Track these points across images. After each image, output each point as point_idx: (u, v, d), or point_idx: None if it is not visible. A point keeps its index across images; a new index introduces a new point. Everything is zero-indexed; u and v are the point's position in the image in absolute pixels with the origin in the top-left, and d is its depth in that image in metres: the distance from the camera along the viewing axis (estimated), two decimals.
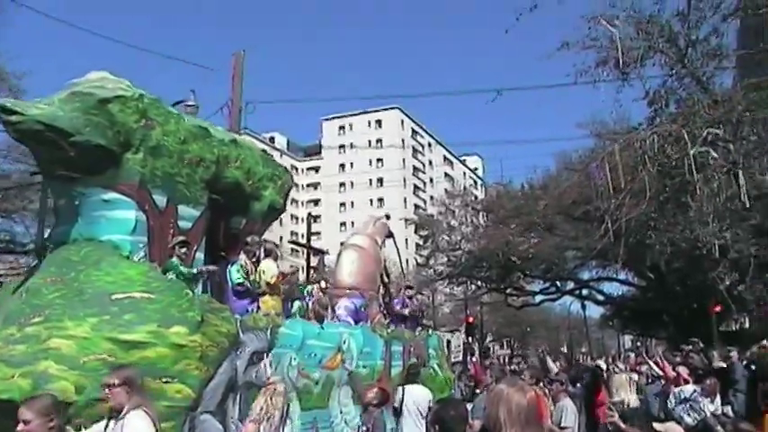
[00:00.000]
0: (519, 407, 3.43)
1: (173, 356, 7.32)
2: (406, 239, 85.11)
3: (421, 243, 48.63)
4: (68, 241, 8.31)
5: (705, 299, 27.80)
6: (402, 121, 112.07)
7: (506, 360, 64.65)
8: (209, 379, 7.66)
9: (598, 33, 13.93)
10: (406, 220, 60.46)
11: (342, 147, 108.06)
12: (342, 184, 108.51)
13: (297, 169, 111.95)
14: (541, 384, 11.85)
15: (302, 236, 61.46)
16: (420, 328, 14.28)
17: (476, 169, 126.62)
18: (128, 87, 8.35)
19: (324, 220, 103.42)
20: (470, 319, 47.92)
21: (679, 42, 14.13)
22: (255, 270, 9.99)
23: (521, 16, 13.72)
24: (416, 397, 10.25)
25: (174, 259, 8.51)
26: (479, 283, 44.09)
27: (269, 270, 10.22)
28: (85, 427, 6.30)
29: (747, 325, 33.06)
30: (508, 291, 45.44)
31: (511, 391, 3.53)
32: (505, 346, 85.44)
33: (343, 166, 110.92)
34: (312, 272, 30.62)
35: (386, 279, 14.90)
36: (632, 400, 8.71)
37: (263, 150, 11.54)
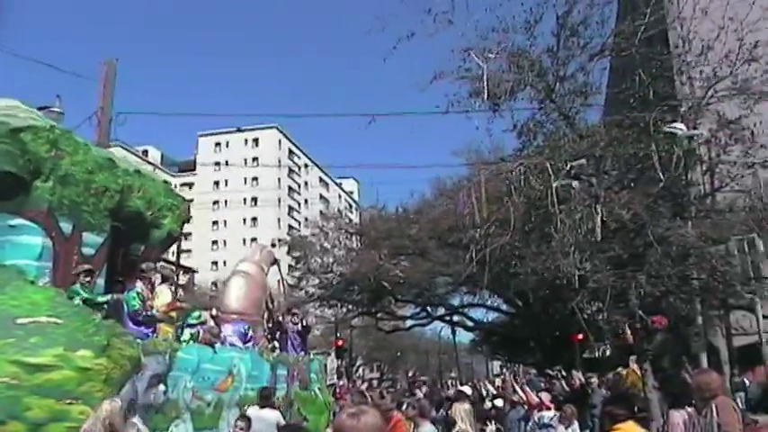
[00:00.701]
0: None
1: (78, 379, 7.69)
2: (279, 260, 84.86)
3: (293, 264, 47.45)
4: None
5: (568, 327, 28.64)
6: (279, 141, 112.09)
7: (376, 383, 65.28)
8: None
9: (471, 65, 14.20)
10: (279, 240, 60.29)
11: (217, 164, 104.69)
12: (215, 202, 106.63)
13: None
14: (404, 408, 12.52)
15: (172, 253, 60.36)
16: (304, 352, 14.86)
17: (351, 193, 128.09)
18: (39, 117, 8.73)
19: (195, 238, 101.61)
20: (340, 342, 48.29)
21: (548, 78, 14.60)
22: (152, 296, 10.37)
23: (398, 43, 13.99)
24: (263, 421, 10.55)
25: (77, 286, 8.82)
26: (350, 306, 43.65)
27: (163, 296, 10.65)
28: None
29: (609, 353, 34.51)
30: (379, 315, 45.09)
31: (344, 417, 3.49)
32: (375, 370, 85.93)
33: (217, 183, 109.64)
34: (180, 291, 30.16)
35: (270, 305, 15.42)
36: (469, 429, 9.27)
37: (165, 181, 11.92)
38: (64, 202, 8.93)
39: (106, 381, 7.93)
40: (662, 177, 13.35)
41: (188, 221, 11.93)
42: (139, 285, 10.22)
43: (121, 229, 10.06)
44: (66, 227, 8.99)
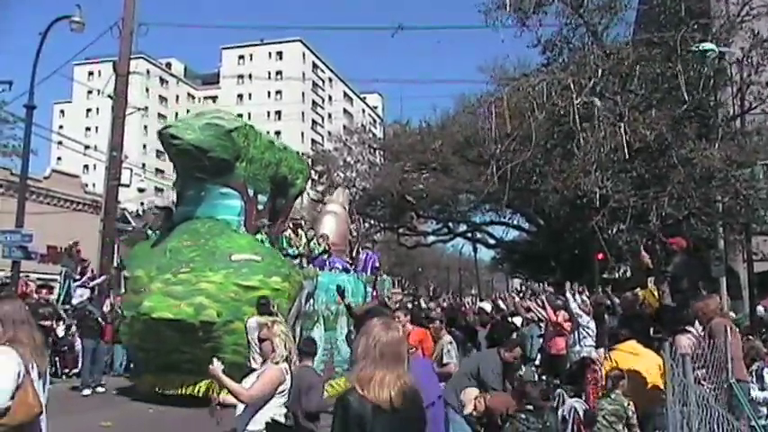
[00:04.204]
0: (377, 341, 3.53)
1: (272, 296, 12.38)
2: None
3: (316, 179, 45.56)
4: (193, 218, 13.13)
5: (589, 247, 28.58)
6: (303, 54, 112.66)
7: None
8: (290, 309, 12.69)
9: None
10: (303, 154, 62.24)
11: (241, 77, 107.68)
12: (239, 116, 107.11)
13: (194, 98, 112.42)
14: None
15: None
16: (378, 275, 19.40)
17: (376, 107, 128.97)
18: (237, 119, 13.35)
19: None
20: None
21: None
22: (297, 238, 14.92)
23: None
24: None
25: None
26: (372, 221, 45.18)
27: (299, 236, 15.24)
28: None
29: (629, 274, 33.33)
30: (401, 230, 46.82)
31: (377, 326, 3.62)
32: (396, 285, 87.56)
33: (241, 96, 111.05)
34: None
35: (351, 237, 19.90)
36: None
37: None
38: (250, 175, 13.59)
39: (288, 297, 12.72)
40: (686, 98, 13.20)
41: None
42: (288, 232, 14.78)
43: (272, 189, 14.47)
44: (251, 192, 13.64)
